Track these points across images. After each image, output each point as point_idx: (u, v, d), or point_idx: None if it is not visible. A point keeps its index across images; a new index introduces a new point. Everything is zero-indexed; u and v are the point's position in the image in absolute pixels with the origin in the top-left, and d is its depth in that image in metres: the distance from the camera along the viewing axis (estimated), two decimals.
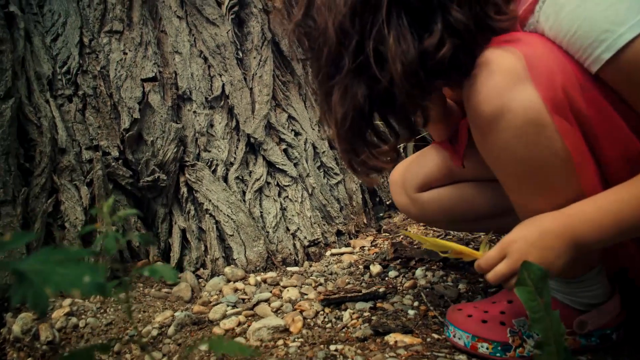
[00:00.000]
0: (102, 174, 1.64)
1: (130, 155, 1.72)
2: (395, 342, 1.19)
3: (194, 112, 1.77)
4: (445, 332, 1.16)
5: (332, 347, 1.17)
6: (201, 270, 1.72)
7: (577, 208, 0.94)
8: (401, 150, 2.16)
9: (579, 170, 0.94)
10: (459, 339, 1.11)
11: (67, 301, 1.53)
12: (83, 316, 1.50)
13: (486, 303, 1.16)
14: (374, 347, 1.17)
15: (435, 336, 1.22)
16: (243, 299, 1.52)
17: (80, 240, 1.65)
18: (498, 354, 1.07)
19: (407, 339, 1.19)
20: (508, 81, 0.90)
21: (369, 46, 0.89)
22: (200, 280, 1.69)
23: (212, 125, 1.79)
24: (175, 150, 1.70)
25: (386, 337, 1.21)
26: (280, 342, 1.26)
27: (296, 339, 1.26)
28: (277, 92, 1.88)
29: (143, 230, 1.76)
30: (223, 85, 1.79)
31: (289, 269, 1.72)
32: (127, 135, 1.69)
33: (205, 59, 1.80)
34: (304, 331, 1.31)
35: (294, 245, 1.78)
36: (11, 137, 1.58)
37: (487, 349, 1.08)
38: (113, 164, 1.69)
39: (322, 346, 1.19)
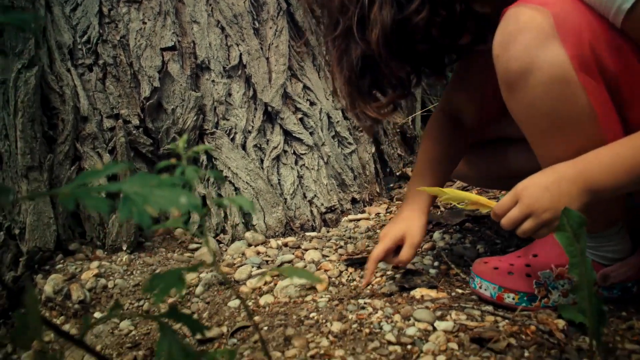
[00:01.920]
0: (125, 140, 1.67)
1: (151, 124, 1.75)
2: (422, 296, 1.23)
3: (212, 81, 1.79)
4: (471, 284, 1.21)
5: (361, 301, 1.22)
6: (221, 235, 1.76)
7: (592, 155, 0.96)
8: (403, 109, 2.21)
9: (604, 125, 0.98)
10: (485, 289, 1.16)
11: (95, 263, 1.57)
12: (111, 277, 1.53)
13: (511, 257, 1.20)
14: (402, 301, 1.21)
15: (460, 291, 1.27)
16: (267, 261, 1.56)
17: None
18: (524, 304, 1.12)
19: (433, 294, 1.24)
20: (536, 39, 0.94)
21: (355, 13, 1.01)
22: (221, 245, 1.73)
23: (230, 94, 1.81)
24: (194, 118, 1.73)
25: (412, 292, 1.26)
26: (309, 298, 1.31)
27: (324, 295, 1.31)
28: (293, 62, 1.91)
29: None
30: (240, 54, 1.82)
31: (307, 234, 1.77)
32: (147, 103, 1.71)
33: (223, 29, 1.83)
34: (331, 288, 1.36)
35: (311, 211, 1.82)
36: (36, 104, 1.60)
37: (513, 299, 1.12)
38: (134, 132, 1.72)
39: (350, 300, 1.23)
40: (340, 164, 1.93)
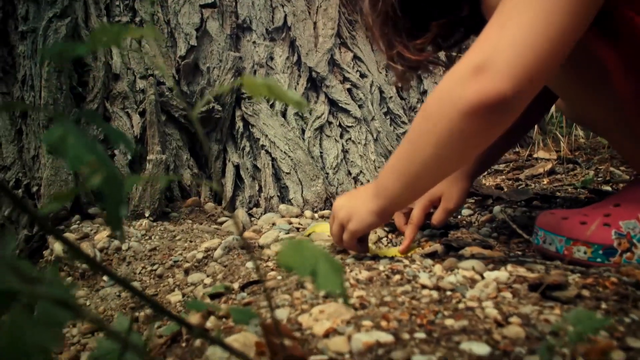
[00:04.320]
0: (155, 99, 1.55)
1: (186, 87, 1.62)
2: (472, 254, 1.01)
3: (254, 42, 1.66)
4: (534, 240, 0.98)
5: (396, 261, 1.01)
6: (254, 209, 1.59)
7: (391, 157, 0.94)
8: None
9: None
10: (550, 244, 0.92)
11: None
12: (127, 240, 1.39)
13: (587, 208, 0.97)
14: (446, 258, 0.99)
15: (520, 252, 1.04)
16: (297, 228, 1.38)
17: (129, 168, 1.56)
18: (599, 259, 0.88)
19: (487, 252, 1.01)
20: None
21: None
22: (253, 219, 1.56)
23: (272, 58, 1.67)
24: (232, 80, 1.60)
25: (461, 251, 1.04)
26: (338, 257, 1.11)
27: (355, 256, 1.10)
28: (343, 29, 1.75)
29: (195, 170, 1.65)
30: (285, 15, 1.68)
31: None
32: (182, 63, 1.59)
33: None
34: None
35: (356, 188, 1.62)
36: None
37: (585, 253, 0.88)
38: (167, 93, 1.60)
39: (385, 259, 1.02)
40: (391, 141, 1.73)
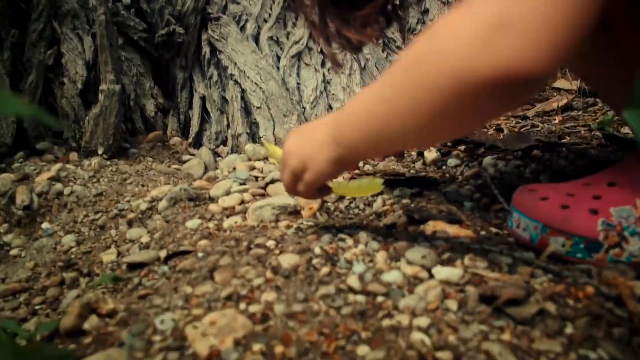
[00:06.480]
0: (106, 19, 1.35)
1: (145, 4, 1.42)
2: (434, 232, 0.83)
3: None
4: (508, 222, 0.80)
5: (347, 232, 0.84)
6: (221, 147, 1.43)
7: (353, 100, 0.75)
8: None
9: None
10: (524, 230, 0.74)
11: (57, 166, 1.29)
12: (71, 183, 1.25)
13: (574, 184, 0.78)
14: (402, 235, 0.82)
15: (494, 230, 0.86)
16: (256, 177, 1.21)
17: (80, 98, 1.39)
18: (579, 255, 0.70)
19: (452, 230, 0.84)
20: None
21: None
22: (219, 159, 1.40)
23: None
24: None
25: (423, 226, 0.86)
26: (284, 223, 0.95)
27: (305, 222, 0.95)
28: None
29: (160, 99, 1.48)
30: None
31: None
32: None
33: None
34: (318, 215, 0.99)
35: None
36: None
37: (563, 245, 0.70)
38: (123, 12, 1.40)
39: (333, 231, 0.86)
40: (381, 70, 1.52)
